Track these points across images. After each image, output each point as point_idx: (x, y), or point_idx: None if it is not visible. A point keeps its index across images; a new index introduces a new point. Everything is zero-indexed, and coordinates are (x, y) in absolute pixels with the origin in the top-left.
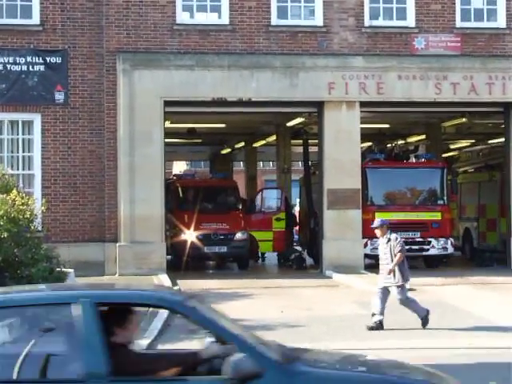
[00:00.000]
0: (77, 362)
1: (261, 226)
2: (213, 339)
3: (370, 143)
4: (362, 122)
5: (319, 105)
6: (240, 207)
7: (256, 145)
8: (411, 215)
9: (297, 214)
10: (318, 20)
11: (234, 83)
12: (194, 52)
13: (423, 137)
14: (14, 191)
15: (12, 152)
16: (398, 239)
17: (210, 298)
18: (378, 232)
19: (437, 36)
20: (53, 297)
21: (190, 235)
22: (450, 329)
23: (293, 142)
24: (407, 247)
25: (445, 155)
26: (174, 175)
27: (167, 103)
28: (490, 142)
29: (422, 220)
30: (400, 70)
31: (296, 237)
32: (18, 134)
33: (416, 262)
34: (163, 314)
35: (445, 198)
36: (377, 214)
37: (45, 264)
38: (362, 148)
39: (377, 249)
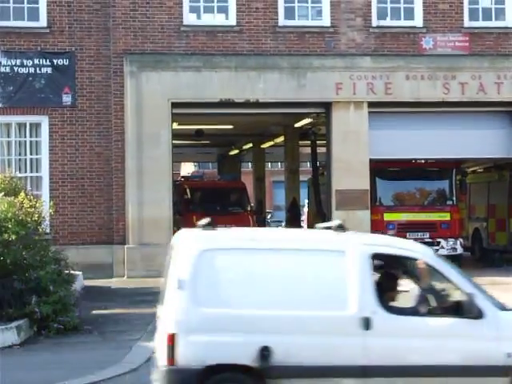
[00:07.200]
0: None
1: None
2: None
3: None
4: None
5: (327, 105)
6: (249, 208)
7: (264, 146)
8: (420, 216)
9: (305, 215)
10: (326, 20)
11: (241, 84)
12: (201, 53)
13: None
14: (22, 194)
15: (20, 154)
16: None
17: None
18: None
19: (445, 36)
20: None
21: None
22: None
23: (301, 142)
24: None
25: None
26: (182, 177)
27: (174, 105)
28: None
29: (431, 220)
30: (408, 70)
31: None
32: (25, 137)
33: None
34: None
35: (454, 198)
36: (385, 214)
37: (53, 266)
38: None
39: None
